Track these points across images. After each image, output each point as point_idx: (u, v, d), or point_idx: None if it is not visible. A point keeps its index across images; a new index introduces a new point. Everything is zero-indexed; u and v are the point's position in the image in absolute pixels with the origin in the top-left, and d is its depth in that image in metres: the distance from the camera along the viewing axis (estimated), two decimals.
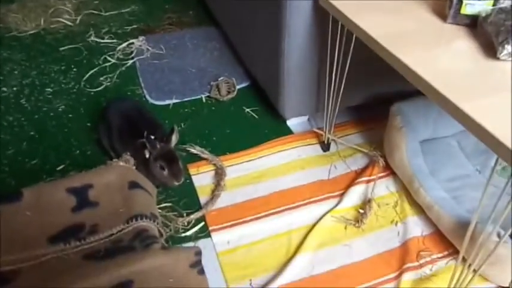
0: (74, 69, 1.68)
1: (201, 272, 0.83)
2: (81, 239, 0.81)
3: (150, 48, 1.77)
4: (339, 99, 1.20)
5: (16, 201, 0.85)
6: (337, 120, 1.29)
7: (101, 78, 1.63)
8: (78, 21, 2.01)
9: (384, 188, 1.21)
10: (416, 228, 1.09)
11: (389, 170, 1.24)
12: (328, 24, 1.07)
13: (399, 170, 1.19)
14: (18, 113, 1.46)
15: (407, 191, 1.17)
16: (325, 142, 1.32)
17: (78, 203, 0.87)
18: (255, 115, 1.46)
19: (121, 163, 0.95)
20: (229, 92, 1.53)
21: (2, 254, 0.78)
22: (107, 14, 2.07)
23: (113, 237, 0.81)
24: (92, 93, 1.56)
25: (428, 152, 1.20)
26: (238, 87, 1.56)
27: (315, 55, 1.21)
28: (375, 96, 1.37)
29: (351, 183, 1.21)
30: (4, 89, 1.58)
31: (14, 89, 1.58)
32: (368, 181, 1.21)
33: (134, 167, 0.98)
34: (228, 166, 1.27)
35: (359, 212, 1.13)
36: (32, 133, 1.38)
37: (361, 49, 0.98)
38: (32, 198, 0.86)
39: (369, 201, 1.15)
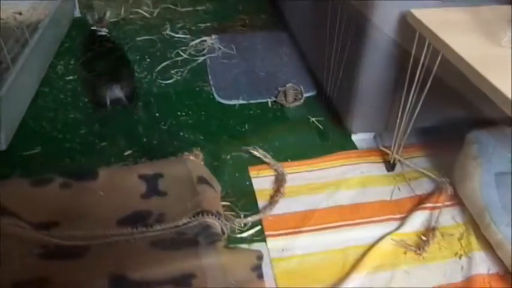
0: (148, 60, 1.74)
1: (260, 276, 0.83)
2: (148, 225, 0.83)
3: (221, 47, 1.80)
4: (413, 119, 1.16)
5: (92, 180, 0.89)
6: (406, 140, 1.25)
7: (172, 72, 1.67)
8: (155, 14, 2.08)
9: (449, 218, 1.15)
10: (483, 265, 1.03)
11: (457, 200, 1.18)
12: (412, 41, 1.04)
13: (469, 201, 1.13)
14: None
15: (475, 224, 1.11)
16: (391, 162, 1.28)
17: (148, 190, 0.89)
18: (319, 125, 1.44)
19: (191, 157, 0.96)
20: (295, 99, 1.52)
21: (74, 229, 0.82)
22: (183, 9, 2.13)
23: (178, 229, 0.83)
24: (163, 84, 1.61)
25: (503, 186, 1.13)
26: (305, 95, 1.55)
27: (394, 72, 1.18)
28: (448, 119, 1.31)
29: (415, 208, 1.17)
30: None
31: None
32: (433, 208, 1.16)
33: (203, 163, 0.99)
34: (289, 173, 1.26)
35: (421, 238, 1.09)
36: (103, 116, 1.44)
37: (444, 69, 0.95)
38: (107, 179, 0.89)
39: (433, 229, 1.10)
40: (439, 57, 0.99)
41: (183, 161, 0.95)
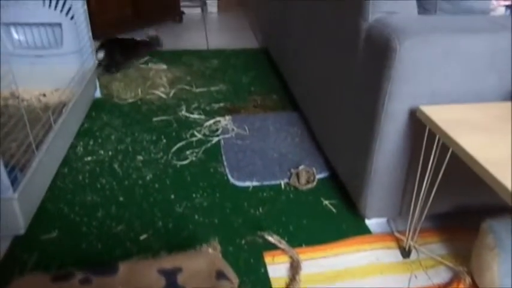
0: (164, 140, 1.80)
1: None
2: None
3: (235, 128, 1.87)
4: (426, 207, 1.18)
5: (112, 274, 0.89)
6: (421, 225, 1.26)
7: (187, 152, 1.73)
8: (171, 95, 2.18)
9: None
10: None
11: None
12: (423, 133, 1.08)
13: None
14: (110, 177, 1.57)
15: None
16: (406, 249, 1.28)
17: (167, 285, 0.89)
18: (332, 208, 1.46)
19: (210, 250, 0.97)
20: (308, 182, 1.55)
21: None
22: (198, 90, 2.24)
23: None
24: (178, 165, 1.65)
25: None
26: (317, 176, 1.58)
27: (406, 160, 1.21)
28: (463, 205, 1.32)
29: None
30: (101, 152, 1.71)
31: (110, 153, 1.71)
32: None
33: (220, 255, 1.00)
34: (303, 260, 1.25)
35: None
36: (121, 199, 1.47)
37: (457, 160, 0.98)
38: (127, 274, 0.90)
39: None
40: (450, 152, 1.02)
41: (201, 254, 0.96)
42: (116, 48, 2.37)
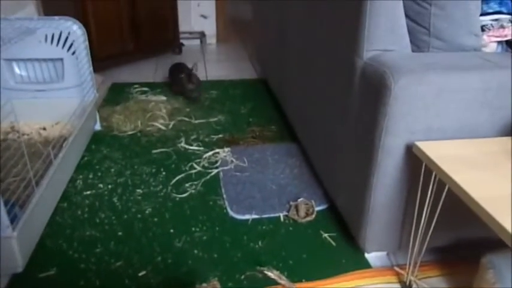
0: (163, 173, 1.81)
1: None
2: None
3: (234, 160, 1.88)
4: (426, 241, 1.18)
5: None
6: (421, 259, 1.25)
7: (187, 185, 1.73)
8: (170, 126, 2.20)
9: None
10: None
11: None
12: (420, 168, 1.09)
13: None
14: (110, 211, 1.57)
15: None
16: (407, 283, 1.27)
17: None
18: (332, 241, 1.45)
19: None
20: (307, 215, 1.55)
21: None
22: (196, 121, 2.26)
23: None
24: (177, 198, 1.65)
25: None
26: (316, 209, 1.58)
27: (404, 194, 1.22)
28: (463, 239, 1.32)
29: None
30: (100, 185, 1.72)
31: (109, 186, 1.71)
32: None
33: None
34: None
35: None
36: (120, 233, 1.46)
37: (454, 195, 0.98)
38: None
39: None
40: (446, 188, 1.03)
41: None
42: (183, 77, 2.52)
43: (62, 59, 2.02)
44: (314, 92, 1.71)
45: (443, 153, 1.03)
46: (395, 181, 1.20)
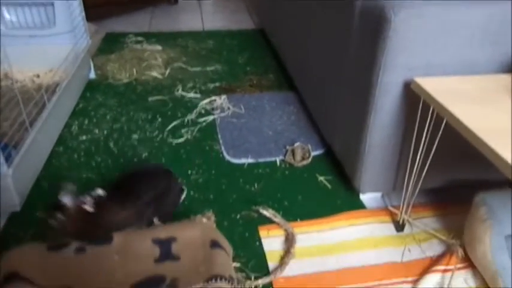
0: (159, 119, 1.80)
1: None
2: None
3: (230, 107, 1.87)
4: (420, 182, 1.18)
5: (106, 244, 0.90)
6: (414, 200, 1.26)
7: (183, 131, 1.72)
8: (166, 75, 2.17)
9: (461, 281, 1.14)
10: None
11: (469, 262, 1.17)
12: (417, 106, 1.08)
13: (480, 264, 1.13)
14: (106, 155, 1.57)
15: None
16: (400, 222, 1.28)
17: (162, 254, 0.90)
18: (327, 184, 1.46)
19: (204, 219, 0.98)
20: (303, 158, 1.56)
21: None
22: (193, 70, 2.23)
23: None
24: (173, 143, 1.65)
25: None
26: (313, 153, 1.58)
27: (400, 134, 1.22)
28: (457, 180, 1.33)
29: (426, 271, 1.16)
30: (96, 131, 1.71)
31: (105, 132, 1.71)
32: (444, 271, 1.15)
33: (215, 225, 1.01)
34: (299, 233, 1.26)
35: None
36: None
37: (450, 133, 0.98)
38: (121, 243, 0.90)
39: None
40: (443, 124, 1.03)
41: (195, 224, 0.96)
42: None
43: (52, 4, 1.96)
44: (313, 38, 1.67)
45: (442, 89, 1.02)
46: (392, 120, 1.19)
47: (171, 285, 0.85)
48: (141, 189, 1.13)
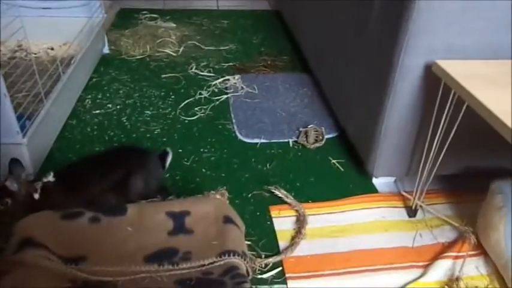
0: (172, 97, 1.79)
1: None
2: (175, 263, 0.84)
3: (244, 87, 1.85)
4: (435, 167, 1.17)
5: (120, 215, 0.90)
6: (428, 186, 1.25)
7: (196, 109, 1.72)
8: (180, 53, 2.15)
9: (473, 268, 1.13)
10: None
11: (481, 250, 1.16)
12: (437, 89, 1.06)
13: (494, 252, 1.12)
14: (118, 130, 1.57)
15: (500, 276, 1.09)
16: (412, 207, 1.27)
17: (175, 227, 0.90)
18: (340, 167, 1.45)
19: (217, 196, 0.98)
20: (316, 141, 1.54)
21: (101, 265, 0.82)
22: (207, 48, 2.21)
23: (203, 268, 0.83)
24: (186, 121, 1.64)
25: None
26: (326, 136, 1.57)
27: (417, 117, 1.20)
28: (472, 168, 1.31)
29: (437, 256, 1.15)
30: (109, 105, 1.71)
31: (118, 107, 1.70)
32: (456, 257, 1.15)
33: (228, 201, 1.00)
34: (310, 215, 1.26)
35: None
36: None
37: (470, 118, 0.96)
38: (135, 215, 0.90)
39: (457, 279, 1.08)
40: (464, 108, 1.01)
41: (209, 200, 0.96)
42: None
43: None
44: (331, 20, 1.64)
45: (464, 72, 0.99)
46: (410, 103, 1.17)
47: (184, 258, 0.86)
48: (91, 179, 1.08)
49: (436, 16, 1.03)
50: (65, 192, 1.05)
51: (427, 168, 1.19)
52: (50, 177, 1.06)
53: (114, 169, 1.10)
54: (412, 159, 1.29)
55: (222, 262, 0.84)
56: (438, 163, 1.16)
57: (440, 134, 1.11)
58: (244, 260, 0.86)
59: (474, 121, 0.91)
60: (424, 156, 1.19)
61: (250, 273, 0.90)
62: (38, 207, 0.98)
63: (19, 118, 1.26)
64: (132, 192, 1.09)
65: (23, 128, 1.26)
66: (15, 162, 1.04)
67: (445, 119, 1.08)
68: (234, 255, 0.85)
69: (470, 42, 1.07)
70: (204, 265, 0.84)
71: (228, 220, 0.94)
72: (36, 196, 1.02)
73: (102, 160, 1.16)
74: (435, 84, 1.06)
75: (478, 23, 1.05)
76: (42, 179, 1.06)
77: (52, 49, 2.00)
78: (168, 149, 1.24)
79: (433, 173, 1.18)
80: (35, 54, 1.95)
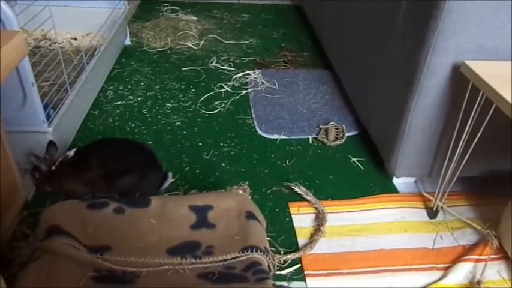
0: (193, 90, 1.80)
1: None
2: (197, 257, 0.84)
3: (264, 82, 1.85)
4: (460, 168, 1.15)
5: (144, 207, 0.91)
6: (450, 188, 1.24)
7: (216, 103, 1.72)
8: (200, 46, 2.16)
9: (495, 272, 1.12)
10: None
11: (503, 254, 1.15)
12: (465, 90, 1.04)
13: None
14: (139, 122, 1.59)
15: None
16: (434, 209, 1.26)
17: (198, 221, 0.91)
18: (360, 166, 1.44)
19: (240, 191, 0.98)
20: (337, 138, 1.54)
21: (125, 255, 0.83)
22: (227, 42, 2.21)
23: (226, 263, 0.84)
24: (206, 115, 1.65)
25: None
26: (346, 134, 1.56)
27: (442, 118, 1.18)
28: (495, 170, 1.29)
29: (458, 259, 1.14)
30: (131, 97, 1.72)
31: (139, 99, 1.72)
32: (477, 260, 1.13)
33: (250, 197, 1.01)
34: (329, 213, 1.25)
35: None
36: (149, 142, 1.48)
37: (497, 120, 0.94)
38: (158, 208, 0.91)
39: (478, 282, 1.07)
40: (492, 109, 0.99)
41: (232, 195, 0.96)
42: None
43: None
44: (355, 17, 1.62)
45: (494, 73, 0.98)
46: (436, 104, 1.16)
47: (206, 252, 0.86)
48: (96, 162, 1.14)
49: (467, 16, 1.01)
50: (71, 168, 1.14)
51: (450, 169, 1.18)
52: (71, 153, 1.17)
53: (119, 162, 1.15)
54: (435, 160, 1.27)
55: (244, 257, 0.84)
56: (462, 165, 1.14)
57: (466, 136, 1.10)
58: (266, 256, 0.87)
59: (500, 123, 0.89)
60: (447, 158, 1.17)
61: (272, 270, 0.90)
62: (51, 177, 1.13)
63: (45, 107, 1.27)
64: (116, 188, 1.12)
65: (48, 117, 1.28)
66: (51, 143, 1.18)
67: (472, 120, 1.06)
68: (256, 251, 0.85)
69: (501, 43, 1.05)
70: (226, 260, 0.84)
71: (250, 216, 0.94)
72: (53, 168, 1.14)
73: (116, 149, 1.21)
74: (463, 85, 1.05)
75: (509, 24, 1.03)
76: (66, 154, 1.18)
77: (75, 39, 2.02)
78: (170, 174, 1.22)
79: (456, 175, 1.17)
80: (59, 43, 1.97)
